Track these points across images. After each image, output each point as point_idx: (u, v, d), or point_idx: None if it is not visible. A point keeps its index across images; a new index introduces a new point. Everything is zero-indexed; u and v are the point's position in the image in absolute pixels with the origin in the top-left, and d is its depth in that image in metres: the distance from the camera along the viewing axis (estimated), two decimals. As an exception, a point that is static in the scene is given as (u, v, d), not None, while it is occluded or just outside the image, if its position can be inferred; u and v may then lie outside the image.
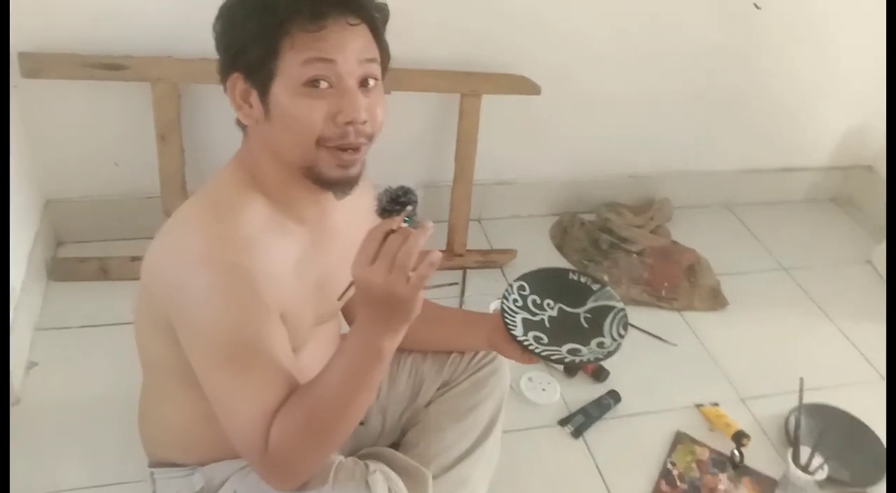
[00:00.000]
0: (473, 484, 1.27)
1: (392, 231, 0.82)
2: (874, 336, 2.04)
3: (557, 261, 2.21)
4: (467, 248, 2.11)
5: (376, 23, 0.96)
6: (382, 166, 2.07)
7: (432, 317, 1.24)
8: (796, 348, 2.00)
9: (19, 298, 1.64)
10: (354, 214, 1.10)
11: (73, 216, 1.94)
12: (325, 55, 0.90)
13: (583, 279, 1.21)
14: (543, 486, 1.55)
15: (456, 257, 2.09)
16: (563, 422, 1.69)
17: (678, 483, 1.58)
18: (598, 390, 1.78)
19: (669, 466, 1.62)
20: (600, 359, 1.13)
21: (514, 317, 1.16)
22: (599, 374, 1.81)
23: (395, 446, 1.30)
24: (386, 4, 0.99)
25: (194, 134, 1.85)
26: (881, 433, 1.72)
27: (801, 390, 1.69)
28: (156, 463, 1.17)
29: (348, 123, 0.91)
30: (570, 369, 1.80)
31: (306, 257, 1.04)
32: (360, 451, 1.27)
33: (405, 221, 0.83)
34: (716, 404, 1.79)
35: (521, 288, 1.20)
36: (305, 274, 1.03)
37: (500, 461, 1.34)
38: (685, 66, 2.16)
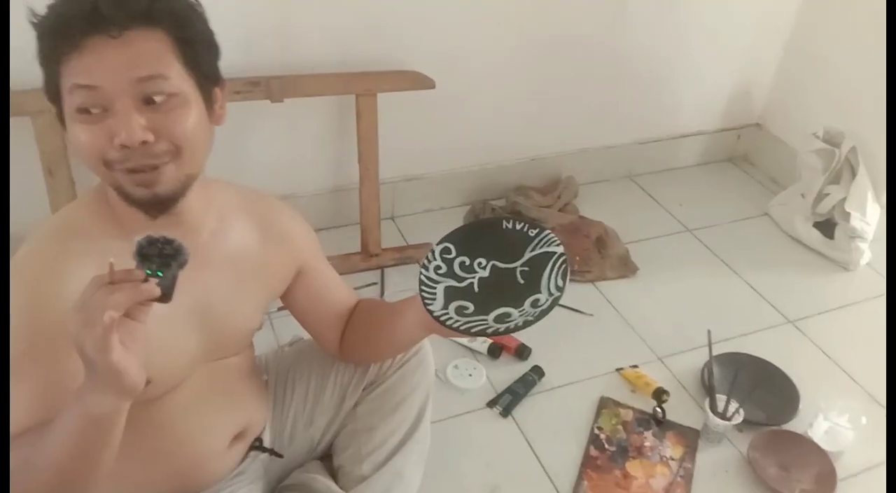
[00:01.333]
0: (408, 476, 1.28)
1: (111, 283, 0.74)
2: (776, 283, 2.17)
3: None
4: (383, 247, 2.13)
5: (161, 26, 0.86)
6: (286, 175, 2.11)
7: (365, 323, 1.25)
8: (706, 303, 2.09)
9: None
10: (250, 238, 1.07)
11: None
12: (83, 82, 0.83)
13: (518, 226, 1.04)
14: (477, 467, 1.59)
15: (372, 257, 2.10)
16: (492, 403, 1.73)
17: (606, 447, 1.64)
18: (522, 368, 1.82)
19: (597, 431, 1.68)
20: (532, 322, 1.00)
21: (433, 288, 1.02)
22: (522, 352, 1.85)
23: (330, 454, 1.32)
24: (175, 3, 0.88)
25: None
26: (791, 373, 1.82)
27: (709, 343, 1.78)
28: None
29: (124, 146, 0.85)
30: (493, 351, 1.84)
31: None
32: (284, 480, 1.28)
33: (158, 274, 0.75)
34: (635, 367, 1.85)
35: (446, 251, 1.03)
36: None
37: (433, 449, 1.35)
38: (568, 45, 2.23)
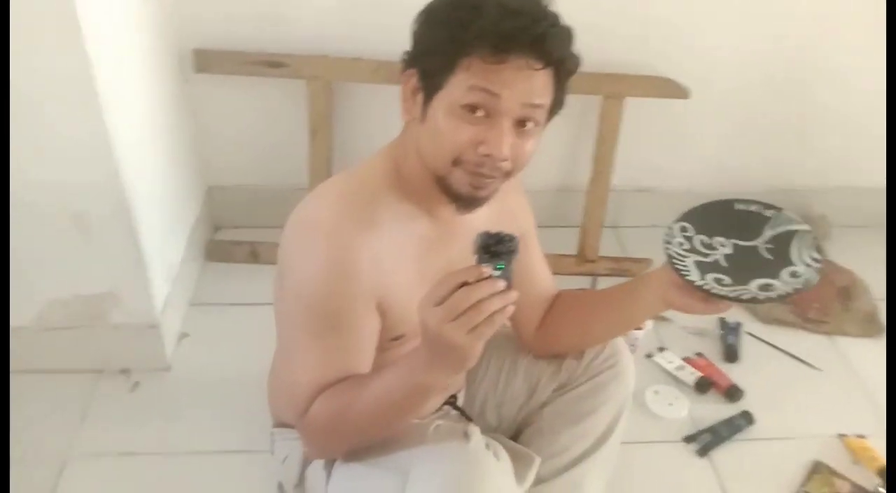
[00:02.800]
0: (587, 490, 1.25)
1: (466, 283, 0.80)
2: None
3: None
4: (599, 254, 2.08)
5: (561, 71, 0.94)
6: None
7: (575, 307, 1.25)
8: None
9: (178, 273, 1.80)
10: (495, 213, 1.10)
11: (230, 203, 2.10)
12: (492, 88, 0.90)
13: (753, 207, 1.05)
14: (661, 501, 1.50)
15: (587, 262, 2.06)
16: (689, 439, 1.62)
17: (812, 516, 1.47)
18: (729, 409, 1.69)
19: (804, 496, 1.51)
20: (799, 290, 0.97)
21: (684, 261, 1.01)
22: (733, 394, 1.72)
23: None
24: (578, 55, 0.96)
25: (344, 130, 1.96)
26: None
27: (965, 431, 1.53)
28: (278, 424, 1.26)
29: (487, 156, 0.92)
30: (702, 386, 1.72)
31: (432, 250, 1.07)
32: None
33: (498, 268, 0.80)
34: (862, 437, 1.65)
35: (684, 229, 1.04)
36: (427, 268, 1.05)
37: (617, 472, 1.30)
38: (842, 71, 2.02)
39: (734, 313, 1.98)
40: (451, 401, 1.26)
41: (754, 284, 0.99)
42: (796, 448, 1.62)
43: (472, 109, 0.91)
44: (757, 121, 2.10)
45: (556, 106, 0.98)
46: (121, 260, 1.54)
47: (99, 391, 1.67)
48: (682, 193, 2.20)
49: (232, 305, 1.91)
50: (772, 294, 0.97)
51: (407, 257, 1.04)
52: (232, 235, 2.10)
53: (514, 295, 0.81)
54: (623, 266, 2.08)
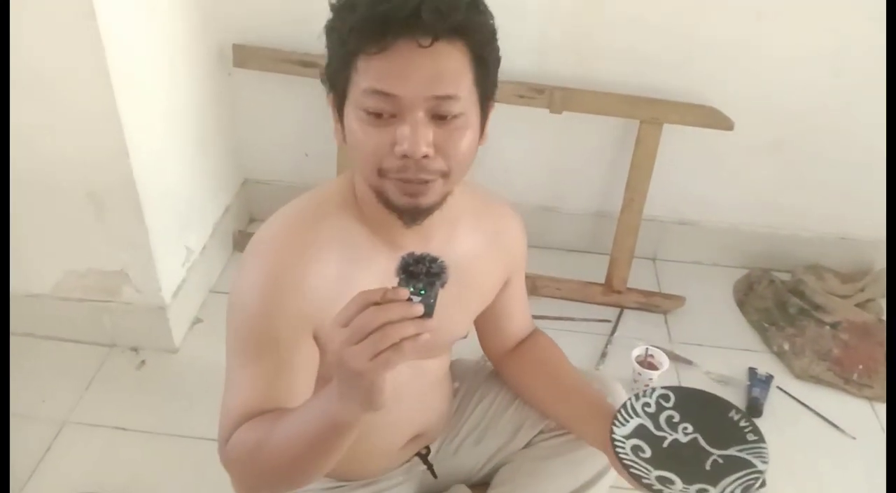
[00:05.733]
0: None
1: (377, 303, 0.71)
2: None
3: (732, 318, 1.99)
4: (629, 285, 1.97)
5: (467, 44, 0.82)
6: (549, 188, 2.06)
7: (562, 387, 1.18)
8: None
9: (196, 259, 1.84)
10: (474, 246, 1.05)
11: (264, 196, 2.13)
12: (384, 88, 0.81)
13: (743, 423, 1.05)
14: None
15: (614, 293, 1.96)
16: (686, 493, 1.51)
17: None
18: (738, 467, 1.56)
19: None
20: None
21: (630, 418, 1.05)
22: (745, 450, 1.59)
23: (486, 483, 1.25)
24: (484, 18, 0.84)
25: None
26: None
27: None
28: None
29: (405, 156, 0.83)
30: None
31: (392, 284, 1.00)
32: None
33: (421, 293, 0.72)
34: (887, 519, 1.48)
35: (664, 397, 1.08)
36: None
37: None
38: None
39: (766, 365, 1.83)
40: (423, 453, 1.21)
41: (660, 472, 1.00)
42: (807, 521, 1.48)
43: (375, 113, 0.83)
44: (816, 162, 1.94)
45: (485, 88, 0.87)
46: (130, 242, 1.59)
47: (107, 365, 1.73)
48: (727, 229, 2.10)
49: (250, 296, 1.93)
50: (664, 490, 0.97)
51: (359, 289, 0.93)
52: (264, 229, 2.13)
53: (430, 324, 0.71)
54: (653, 301, 1.97)
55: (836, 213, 2.03)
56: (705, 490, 0.98)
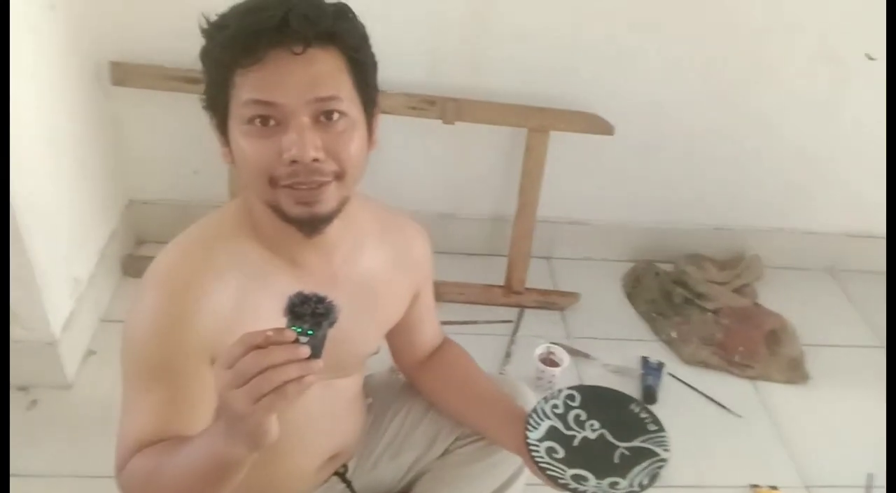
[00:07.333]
0: None
1: (259, 346, 0.70)
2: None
3: (623, 310, 2.10)
4: (527, 286, 2.04)
5: (341, 48, 0.85)
6: (446, 195, 2.10)
7: (474, 394, 1.20)
8: (878, 437, 1.76)
9: (85, 290, 1.75)
10: (380, 262, 1.05)
11: (152, 217, 2.05)
12: (263, 97, 0.82)
13: (643, 415, 1.11)
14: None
15: (514, 294, 2.03)
16: (594, 483, 1.59)
17: (709, 571, 1.43)
18: (639, 454, 1.65)
19: (703, 549, 1.47)
20: None
21: (541, 421, 1.09)
22: (645, 437, 1.68)
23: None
24: (352, 24, 0.86)
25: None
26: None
27: (868, 489, 1.49)
28: None
29: (294, 161, 0.83)
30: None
31: None
32: None
33: (308, 333, 0.71)
34: (774, 488, 1.61)
35: (570, 398, 1.13)
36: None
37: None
38: (780, 114, 2.01)
39: (657, 353, 1.95)
40: (341, 471, 1.21)
41: (574, 471, 1.05)
42: (704, 498, 1.59)
43: (262, 121, 0.83)
44: (692, 160, 2.07)
45: (366, 93, 0.89)
46: (13, 276, 1.49)
47: (-8, 408, 1.61)
48: (614, 226, 2.20)
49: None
50: (579, 488, 1.02)
51: (260, 315, 0.92)
52: (155, 251, 2.02)
53: (317, 365, 0.70)
54: (550, 299, 2.05)
55: (711, 205, 2.18)
56: (616, 483, 1.04)
